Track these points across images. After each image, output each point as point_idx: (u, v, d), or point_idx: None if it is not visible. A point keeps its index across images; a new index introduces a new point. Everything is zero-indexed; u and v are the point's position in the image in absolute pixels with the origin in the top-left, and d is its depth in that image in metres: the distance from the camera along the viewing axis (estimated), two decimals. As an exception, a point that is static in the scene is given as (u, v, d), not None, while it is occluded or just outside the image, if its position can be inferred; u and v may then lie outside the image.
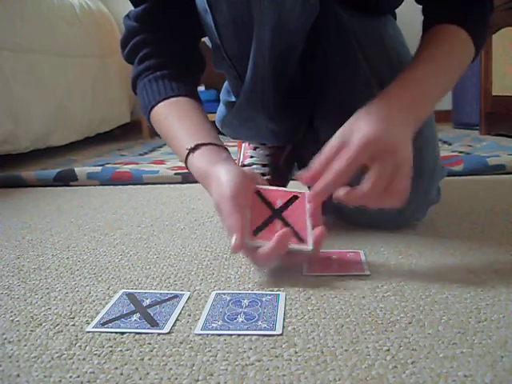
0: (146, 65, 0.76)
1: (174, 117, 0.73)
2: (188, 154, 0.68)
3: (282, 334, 0.47)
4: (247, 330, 0.48)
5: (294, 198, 0.64)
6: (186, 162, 0.69)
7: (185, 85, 0.75)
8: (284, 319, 0.50)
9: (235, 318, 0.50)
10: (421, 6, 0.76)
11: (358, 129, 0.58)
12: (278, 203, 0.63)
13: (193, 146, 0.67)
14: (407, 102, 0.63)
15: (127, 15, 0.79)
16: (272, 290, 0.57)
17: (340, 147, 0.58)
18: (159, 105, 0.74)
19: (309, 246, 0.59)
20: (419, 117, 0.66)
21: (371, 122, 0.58)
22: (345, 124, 0.61)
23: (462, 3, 0.71)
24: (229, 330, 0.48)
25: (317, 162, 0.60)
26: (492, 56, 2.05)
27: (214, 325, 0.49)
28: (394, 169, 0.57)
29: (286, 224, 0.60)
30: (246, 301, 0.54)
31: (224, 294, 0.57)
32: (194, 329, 0.49)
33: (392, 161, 0.57)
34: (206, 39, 0.83)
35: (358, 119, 0.60)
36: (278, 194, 0.64)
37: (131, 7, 0.78)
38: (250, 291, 0.57)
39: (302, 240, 0.59)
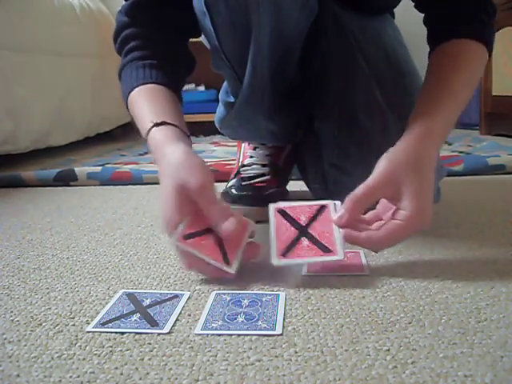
0: (131, 56, 0.76)
1: (145, 99, 0.72)
2: (152, 127, 0.66)
3: (282, 334, 0.47)
4: (247, 329, 0.48)
5: (318, 211, 0.63)
6: (147, 135, 0.67)
7: (164, 74, 0.75)
8: (284, 319, 0.50)
9: (235, 318, 0.50)
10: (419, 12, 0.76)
11: (407, 196, 0.58)
12: (302, 219, 0.62)
13: (159, 121, 0.66)
14: (437, 138, 0.64)
15: (120, 10, 0.79)
16: (272, 290, 0.58)
17: (387, 197, 0.61)
18: (135, 90, 0.73)
19: (337, 256, 0.59)
20: (439, 147, 0.66)
21: (418, 193, 0.58)
22: (386, 167, 0.60)
23: (469, 12, 0.70)
24: (229, 329, 0.48)
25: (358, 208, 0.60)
26: (492, 56, 2.05)
27: (213, 325, 0.49)
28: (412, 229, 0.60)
29: (313, 240, 0.60)
30: (246, 301, 0.54)
31: (224, 293, 0.57)
32: (193, 329, 0.49)
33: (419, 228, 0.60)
34: (203, 39, 0.83)
35: (400, 171, 0.59)
36: (301, 211, 0.63)
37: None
38: (249, 291, 0.57)
39: (329, 251, 0.59)
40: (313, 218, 0.62)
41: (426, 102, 0.66)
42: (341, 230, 0.60)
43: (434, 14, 0.74)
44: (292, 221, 0.62)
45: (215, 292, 0.57)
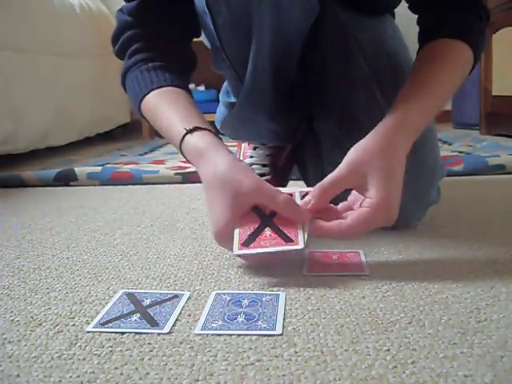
0: (137, 58, 0.75)
1: (167, 104, 0.71)
2: (186, 134, 0.66)
3: (282, 334, 0.47)
4: (247, 330, 0.48)
5: None
6: (181, 142, 0.66)
7: (176, 76, 0.75)
8: (284, 319, 0.50)
9: (235, 318, 0.50)
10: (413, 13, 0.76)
11: (373, 184, 0.59)
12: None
13: (191, 127, 0.66)
14: (410, 130, 0.64)
15: (120, 9, 0.78)
16: (272, 290, 0.58)
17: (352, 185, 0.61)
18: (151, 93, 0.72)
19: (298, 245, 0.58)
20: (413, 140, 0.66)
21: (383, 182, 0.59)
22: (353, 158, 0.61)
23: (459, 14, 0.71)
24: (229, 329, 0.48)
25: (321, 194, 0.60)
26: (492, 56, 2.05)
27: (213, 325, 0.49)
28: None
29: (275, 230, 0.60)
30: (246, 301, 0.54)
31: (224, 293, 0.57)
32: (193, 329, 0.49)
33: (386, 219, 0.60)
34: (203, 39, 0.83)
35: (367, 162, 0.60)
36: None
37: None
38: (249, 291, 0.57)
39: (291, 240, 0.59)
40: None
41: (402, 95, 0.67)
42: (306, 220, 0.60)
43: (426, 15, 0.74)
44: (257, 210, 0.61)
45: (215, 292, 0.57)
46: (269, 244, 0.58)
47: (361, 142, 0.62)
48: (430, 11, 0.74)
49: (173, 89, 0.73)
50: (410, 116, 0.64)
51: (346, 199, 0.65)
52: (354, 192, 0.64)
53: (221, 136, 0.69)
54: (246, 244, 0.59)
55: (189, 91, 0.76)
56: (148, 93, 0.73)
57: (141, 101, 0.74)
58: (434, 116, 0.69)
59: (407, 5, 0.77)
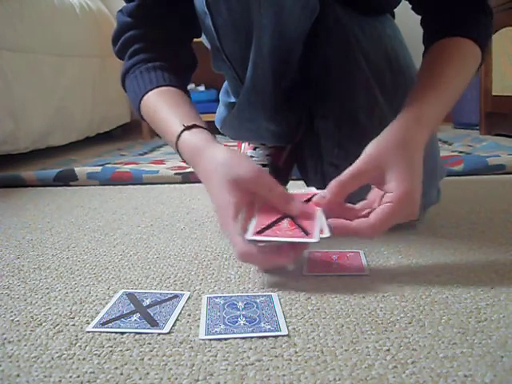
0: (137, 59, 0.76)
1: (165, 103, 0.71)
2: (183, 131, 0.66)
3: (288, 335, 0.47)
4: (252, 332, 0.48)
5: (309, 199, 0.62)
6: (178, 139, 0.66)
7: (175, 77, 0.75)
8: (285, 319, 0.50)
9: (236, 321, 0.50)
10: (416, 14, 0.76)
11: (394, 178, 0.58)
12: None
13: (190, 124, 0.66)
14: (419, 127, 0.63)
15: (120, 10, 0.78)
16: (272, 291, 0.57)
17: (374, 180, 0.60)
18: (150, 93, 0.73)
19: (313, 238, 0.56)
20: (428, 136, 0.65)
21: (404, 174, 0.58)
22: (371, 151, 0.60)
23: (464, 13, 0.71)
24: (233, 333, 0.47)
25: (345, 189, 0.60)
26: (492, 56, 2.05)
27: (216, 329, 0.48)
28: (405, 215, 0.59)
29: (294, 221, 0.59)
30: (240, 303, 0.54)
31: (216, 297, 0.56)
32: (193, 329, 0.49)
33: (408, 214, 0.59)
34: (203, 40, 0.83)
35: (385, 155, 0.59)
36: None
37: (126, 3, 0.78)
38: (241, 293, 0.57)
39: (307, 233, 0.57)
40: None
41: (415, 91, 0.66)
42: (323, 214, 0.60)
43: (431, 16, 0.74)
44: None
45: (206, 296, 0.56)
46: (284, 234, 0.57)
47: (378, 137, 0.61)
48: (434, 12, 0.74)
49: (172, 89, 0.73)
50: (426, 109, 0.64)
51: (364, 199, 0.63)
52: (373, 190, 0.62)
53: (221, 136, 0.69)
54: (260, 232, 0.58)
55: (187, 92, 0.76)
56: (147, 92, 0.73)
57: (140, 101, 0.74)
58: (447, 110, 0.68)
59: (410, 6, 0.77)
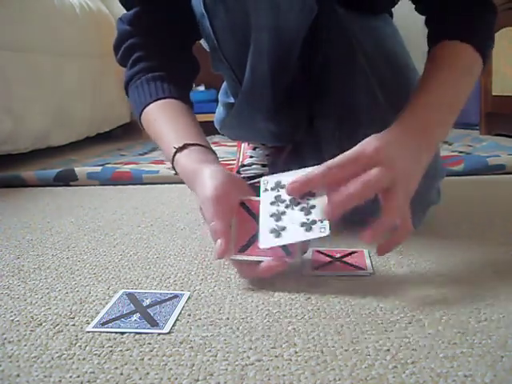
0: (139, 67, 0.76)
1: (163, 118, 0.72)
2: (175, 153, 0.66)
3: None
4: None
5: None
6: (172, 161, 0.68)
7: (176, 87, 0.75)
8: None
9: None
10: (420, 15, 0.76)
11: (376, 153, 0.56)
12: None
13: (181, 145, 0.66)
14: (421, 127, 0.62)
15: (120, 18, 0.78)
16: (270, 291, 0.57)
17: (357, 166, 0.56)
18: (150, 106, 0.73)
19: (325, 233, 0.55)
20: (434, 142, 0.64)
21: (387, 148, 0.57)
22: (358, 145, 0.58)
23: (468, 15, 0.71)
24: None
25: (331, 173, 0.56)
26: (492, 56, 2.05)
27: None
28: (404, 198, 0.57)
29: None
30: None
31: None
32: (193, 329, 0.49)
33: (404, 190, 0.57)
34: (202, 41, 0.83)
35: (371, 142, 0.58)
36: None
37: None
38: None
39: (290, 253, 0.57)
40: None
41: (414, 96, 0.66)
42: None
43: (433, 16, 0.74)
44: (253, 215, 0.60)
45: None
46: (265, 254, 0.57)
47: (373, 135, 0.60)
48: (437, 12, 0.73)
49: (170, 101, 0.73)
50: (422, 114, 0.63)
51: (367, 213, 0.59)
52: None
53: (221, 136, 0.69)
54: (242, 250, 0.58)
55: (187, 99, 0.76)
56: (147, 105, 0.74)
57: (141, 113, 0.75)
58: (447, 128, 0.67)
59: (411, 7, 0.77)
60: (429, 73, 0.69)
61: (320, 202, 0.56)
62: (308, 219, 0.56)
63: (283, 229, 0.56)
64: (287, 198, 0.58)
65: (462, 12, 0.71)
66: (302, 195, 0.57)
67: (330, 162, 0.56)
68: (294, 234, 0.55)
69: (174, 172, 0.69)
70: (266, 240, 0.56)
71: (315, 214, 0.56)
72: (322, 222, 0.55)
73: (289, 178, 0.58)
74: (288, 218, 0.57)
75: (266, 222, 0.57)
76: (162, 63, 0.76)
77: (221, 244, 0.56)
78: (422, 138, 0.62)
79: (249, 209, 0.61)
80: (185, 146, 0.66)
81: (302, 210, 0.57)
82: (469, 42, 0.69)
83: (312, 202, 0.57)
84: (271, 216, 0.57)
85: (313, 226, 0.55)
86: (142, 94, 0.74)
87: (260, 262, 0.57)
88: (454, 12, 0.71)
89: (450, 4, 0.72)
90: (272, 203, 0.58)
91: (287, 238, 0.56)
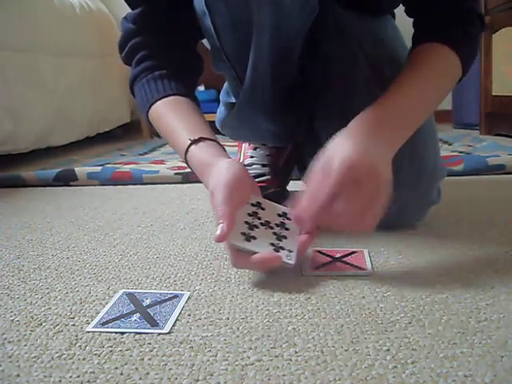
0: (144, 66, 0.76)
1: (173, 113, 0.72)
2: (190, 145, 0.67)
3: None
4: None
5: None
6: (186, 153, 0.68)
7: (183, 84, 0.75)
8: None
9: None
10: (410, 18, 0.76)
11: (339, 154, 0.58)
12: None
13: (196, 138, 0.67)
14: (388, 124, 0.63)
15: (125, 17, 0.79)
16: (269, 290, 0.57)
17: (323, 174, 0.58)
18: (157, 103, 0.74)
19: (291, 261, 0.58)
20: (400, 137, 0.64)
21: (351, 146, 0.58)
22: (325, 149, 0.60)
23: (452, 21, 0.71)
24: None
25: (303, 195, 0.60)
26: (492, 56, 2.05)
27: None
28: (372, 192, 0.57)
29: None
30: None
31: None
32: (193, 329, 0.49)
33: (372, 185, 0.57)
34: (204, 41, 0.83)
35: (337, 143, 0.60)
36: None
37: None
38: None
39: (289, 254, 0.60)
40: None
41: (386, 94, 0.66)
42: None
43: (420, 18, 0.74)
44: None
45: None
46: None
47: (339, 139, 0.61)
48: (422, 15, 0.74)
49: (178, 98, 0.74)
50: (391, 115, 0.63)
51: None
52: None
53: (221, 136, 0.69)
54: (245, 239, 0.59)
55: (195, 98, 0.76)
56: (154, 102, 0.74)
57: (148, 110, 0.75)
58: (413, 126, 0.66)
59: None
60: (404, 71, 0.68)
61: (291, 236, 0.62)
62: (278, 243, 0.60)
63: (254, 238, 0.59)
64: (264, 219, 0.62)
65: (447, 15, 0.71)
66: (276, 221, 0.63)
67: (319, 198, 0.58)
68: (263, 246, 0.59)
69: (184, 165, 0.70)
70: (236, 238, 0.58)
71: (285, 244, 0.60)
72: (290, 251, 0.60)
73: (269, 205, 0.65)
74: (260, 232, 0.61)
75: (240, 224, 0.60)
76: (167, 62, 0.76)
77: (222, 228, 0.57)
78: (387, 135, 0.62)
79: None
80: (200, 139, 0.67)
81: (274, 234, 0.61)
82: (451, 47, 0.69)
83: (284, 232, 0.62)
84: (245, 223, 0.61)
85: (281, 251, 0.59)
86: (148, 91, 0.75)
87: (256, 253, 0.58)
88: (438, 15, 0.71)
89: (437, 8, 0.72)
90: (249, 215, 0.62)
91: (254, 247, 0.58)
